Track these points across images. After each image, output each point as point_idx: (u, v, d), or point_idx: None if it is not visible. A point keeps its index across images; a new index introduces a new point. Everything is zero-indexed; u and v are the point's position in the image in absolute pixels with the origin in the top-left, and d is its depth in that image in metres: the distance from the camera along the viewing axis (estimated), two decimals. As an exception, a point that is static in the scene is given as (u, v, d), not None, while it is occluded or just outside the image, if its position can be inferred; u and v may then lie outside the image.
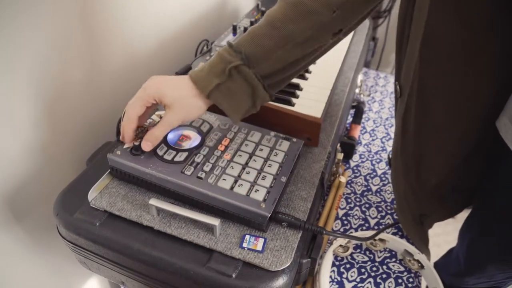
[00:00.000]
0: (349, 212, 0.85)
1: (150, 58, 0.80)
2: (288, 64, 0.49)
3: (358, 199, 0.88)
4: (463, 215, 0.69)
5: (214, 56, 0.49)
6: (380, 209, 0.85)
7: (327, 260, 0.71)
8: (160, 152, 0.52)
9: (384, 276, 0.72)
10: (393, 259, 0.75)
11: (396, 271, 0.73)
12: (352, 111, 1.07)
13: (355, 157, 0.99)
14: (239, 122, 0.51)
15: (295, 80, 0.73)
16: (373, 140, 1.05)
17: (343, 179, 0.87)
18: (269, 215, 0.47)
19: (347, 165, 0.97)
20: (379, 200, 0.87)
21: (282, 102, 0.66)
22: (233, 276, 0.44)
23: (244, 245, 0.47)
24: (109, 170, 0.54)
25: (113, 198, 0.52)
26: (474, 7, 0.41)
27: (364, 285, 0.71)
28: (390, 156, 0.69)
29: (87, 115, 0.68)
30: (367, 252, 0.76)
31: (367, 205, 0.86)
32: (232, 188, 0.50)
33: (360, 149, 1.02)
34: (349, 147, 0.95)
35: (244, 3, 1.22)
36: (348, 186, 0.91)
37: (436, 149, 0.55)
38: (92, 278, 0.80)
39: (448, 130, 0.52)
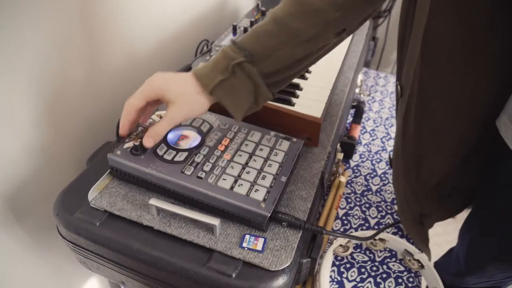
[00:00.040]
0: (349, 212, 0.85)
1: (150, 58, 0.80)
2: (291, 63, 0.49)
3: (358, 199, 0.88)
4: (463, 215, 0.69)
5: (217, 53, 0.49)
6: (380, 209, 0.85)
7: (327, 260, 0.71)
8: (160, 152, 0.52)
9: (384, 275, 0.72)
10: (393, 259, 0.75)
11: (396, 271, 0.73)
12: (352, 111, 1.07)
13: (355, 157, 0.99)
14: (240, 121, 0.51)
15: (295, 80, 0.73)
16: (373, 140, 1.05)
17: (343, 179, 0.87)
18: (269, 215, 0.47)
19: (347, 165, 0.97)
20: (379, 200, 0.87)
21: (282, 102, 0.66)
22: (233, 276, 0.44)
23: (244, 245, 0.47)
24: (109, 170, 0.54)
25: (113, 198, 0.52)
26: (474, 7, 0.41)
27: (364, 285, 0.71)
28: (391, 156, 0.69)
29: (87, 115, 0.68)
30: (367, 252, 0.76)
31: (367, 205, 0.86)
32: (232, 188, 0.50)
33: (360, 149, 1.02)
34: (349, 147, 0.95)
35: (244, 3, 1.22)
36: (348, 186, 0.91)
37: (436, 149, 0.55)
38: (92, 278, 0.80)
39: (448, 130, 0.52)
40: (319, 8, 0.46)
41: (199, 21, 0.96)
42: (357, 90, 1.08)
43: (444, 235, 1.31)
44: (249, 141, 0.58)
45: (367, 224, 0.82)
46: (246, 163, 0.54)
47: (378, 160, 0.98)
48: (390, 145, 1.03)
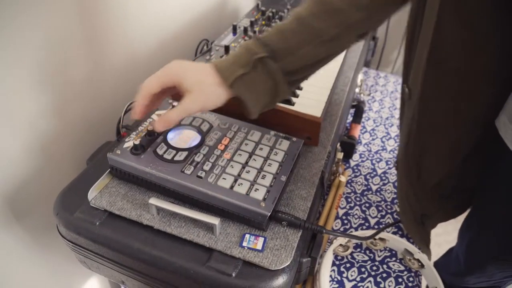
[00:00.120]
0: (349, 211, 0.85)
1: (150, 58, 0.80)
2: (313, 63, 0.49)
3: (358, 199, 0.88)
4: (463, 214, 0.69)
5: (238, 47, 0.49)
6: (380, 208, 0.85)
7: (327, 259, 0.71)
8: (160, 151, 0.52)
9: (384, 275, 0.72)
10: (393, 258, 0.75)
11: (396, 270, 0.73)
12: (352, 111, 1.07)
13: (355, 157, 0.99)
14: (239, 121, 0.51)
15: (295, 80, 0.73)
16: (373, 139, 1.05)
17: (343, 179, 0.87)
18: (269, 214, 0.47)
19: (347, 165, 0.97)
20: (379, 199, 0.88)
21: (282, 101, 0.66)
22: (233, 275, 0.44)
23: (244, 244, 0.47)
24: (109, 169, 0.54)
25: (113, 198, 0.52)
26: (474, 7, 0.41)
27: (364, 285, 0.71)
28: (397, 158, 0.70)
29: (87, 115, 0.68)
30: (367, 251, 0.76)
31: (367, 205, 0.86)
32: (232, 187, 0.50)
33: (360, 148, 1.02)
34: (349, 147, 0.95)
35: (244, 3, 1.22)
36: (348, 185, 0.91)
37: (436, 149, 0.55)
38: (92, 277, 0.80)
39: (448, 130, 0.52)
40: (339, 8, 0.46)
41: (199, 21, 0.96)
42: (357, 90, 1.08)
43: (444, 235, 1.31)
44: (249, 140, 0.58)
45: (367, 224, 0.82)
46: (246, 163, 0.54)
47: (378, 160, 0.98)
48: (390, 144, 1.03)
